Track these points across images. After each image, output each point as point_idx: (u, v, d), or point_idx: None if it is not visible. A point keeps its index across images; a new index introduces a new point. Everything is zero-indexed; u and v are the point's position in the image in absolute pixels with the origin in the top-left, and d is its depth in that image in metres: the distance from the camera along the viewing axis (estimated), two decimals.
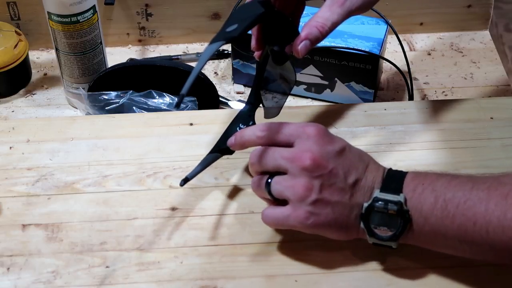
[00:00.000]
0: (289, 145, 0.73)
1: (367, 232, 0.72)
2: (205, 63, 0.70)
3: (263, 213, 0.74)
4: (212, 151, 0.81)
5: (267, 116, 0.85)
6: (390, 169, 0.73)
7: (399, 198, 0.70)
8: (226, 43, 0.72)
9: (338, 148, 0.72)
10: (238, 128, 0.82)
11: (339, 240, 0.74)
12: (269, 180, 0.73)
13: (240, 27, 0.72)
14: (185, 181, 0.77)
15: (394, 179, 0.72)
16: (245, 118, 0.82)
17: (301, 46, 0.76)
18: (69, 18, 0.95)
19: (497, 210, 0.65)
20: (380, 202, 0.70)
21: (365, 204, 0.71)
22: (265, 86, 0.85)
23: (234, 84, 1.08)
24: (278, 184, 0.72)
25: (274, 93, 0.87)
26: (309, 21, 0.77)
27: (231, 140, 0.78)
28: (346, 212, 0.72)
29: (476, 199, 0.67)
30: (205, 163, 0.80)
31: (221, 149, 0.81)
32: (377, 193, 0.71)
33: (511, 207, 0.65)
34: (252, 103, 0.84)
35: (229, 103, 1.04)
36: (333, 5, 0.77)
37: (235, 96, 1.07)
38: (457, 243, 0.69)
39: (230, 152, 0.80)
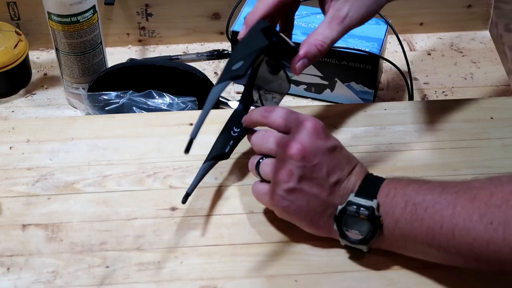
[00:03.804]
0: (286, 131, 0.76)
1: (339, 233, 0.74)
2: (213, 105, 0.71)
3: (253, 185, 0.78)
4: (207, 159, 0.81)
5: None
6: (371, 174, 0.75)
7: (372, 203, 0.72)
8: (232, 81, 0.74)
9: (329, 146, 0.74)
10: (232, 133, 0.82)
11: (338, 240, 0.75)
12: (260, 161, 0.76)
13: (245, 64, 0.73)
14: (186, 197, 0.78)
15: (371, 185, 0.74)
16: (238, 121, 0.83)
17: (299, 64, 0.78)
18: (69, 18, 0.95)
19: (463, 212, 0.66)
20: (353, 206, 0.72)
21: (339, 207, 0.73)
22: (260, 87, 0.86)
23: (234, 84, 1.08)
24: (265, 166, 0.76)
25: (269, 93, 0.88)
26: (308, 37, 0.78)
27: (244, 118, 0.81)
28: (320, 208, 0.74)
29: (444, 203, 0.68)
30: (202, 173, 0.80)
31: (216, 155, 0.81)
32: (351, 197, 0.73)
33: (476, 209, 0.65)
34: (244, 103, 0.84)
35: (229, 103, 1.04)
36: (333, 22, 0.77)
37: (235, 96, 1.07)
38: (426, 248, 0.70)
39: (226, 157, 0.81)
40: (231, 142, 0.81)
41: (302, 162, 0.73)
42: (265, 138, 0.77)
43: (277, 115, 0.77)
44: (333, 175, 0.73)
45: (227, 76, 0.72)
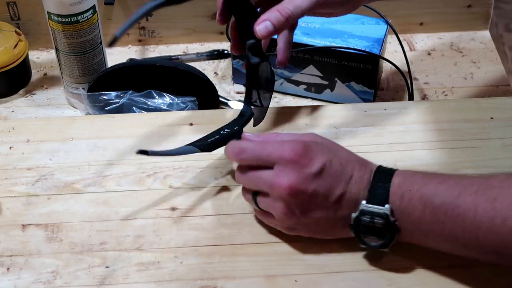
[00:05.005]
0: (269, 166, 0.73)
1: (358, 239, 0.73)
2: (143, 13, 0.72)
3: (259, 214, 0.78)
4: (193, 143, 0.81)
5: (254, 123, 0.88)
6: (375, 174, 0.72)
7: (385, 210, 0.70)
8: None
9: (316, 169, 0.71)
10: (222, 132, 0.82)
11: (338, 240, 0.75)
12: (255, 195, 0.76)
13: None
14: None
15: (379, 188, 0.71)
16: (231, 123, 0.83)
17: (260, 26, 0.78)
18: (69, 18, 0.95)
19: (485, 216, 0.65)
20: (366, 216, 0.71)
21: (353, 215, 0.72)
22: (256, 85, 0.87)
23: (234, 84, 1.08)
24: (263, 203, 0.75)
25: (266, 93, 0.88)
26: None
27: (225, 152, 0.78)
28: (331, 223, 0.73)
29: (464, 206, 0.67)
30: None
31: (197, 144, 0.81)
32: (363, 205, 0.71)
33: (499, 212, 0.65)
34: (246, 102, 0.85)
35: (229, 103, 1.04)
36: None
37: (235, 96, 1.07)
38: (449, 246, 0.70)
39: (208, 150, 0.81)
40: (216, 136, 0.82)
41: (298, 197, 0.71)
42: (250, 177, 0.75)
43: (255, 156, 0.74)
44: (332, 194, 0.71)
45: None
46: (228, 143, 0.78)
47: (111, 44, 0.67)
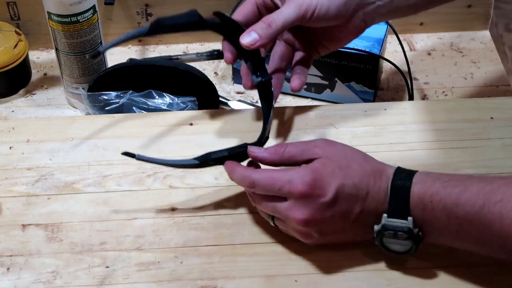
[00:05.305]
0: (281, 196, 0.72)
1: (382, 247, 0.72)
2: (128, 38, 0.77)
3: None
4: (198, 157, 0.78)
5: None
6: (393, 184, 0.70)
7: (407, 223, 0.69)
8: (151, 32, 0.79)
9: (330, 198, 0.70)
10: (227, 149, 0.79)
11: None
12: (271, 216, 0.75)
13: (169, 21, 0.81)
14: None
15: (399, 200, 0.70)
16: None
17: (244, 36, 0.79)
18: (69, 18, 0.95)
19: None
20: (389, 232, 0.70)
21: (376, 228, 0.71)
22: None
23: (234, 84, 1.08)
24: (280, 225, 0.75)
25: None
26: None
27: (234, 176, 0.76)
28: (352, 236, 0.74)
29: (490, 217, 0.66)
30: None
31: (198, 157, 0.78)
32: (385, 219, 0.70)
33: None
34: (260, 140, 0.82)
35: (229, 103, 1.04)
36: (289, 4, 0.79)
37: (235, 96, 1.07)
38: (475, 249, 0.70)
39: (209, 165, 0.79)
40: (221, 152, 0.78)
41: (314, 227, 0.71)
42: (266, 208, 0.74)
43: (263, 190, 0.73)
44: (350, 216, 0.71)
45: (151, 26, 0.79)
46: (234, 171, 0.75)
47: (94, 57, 0.69)
